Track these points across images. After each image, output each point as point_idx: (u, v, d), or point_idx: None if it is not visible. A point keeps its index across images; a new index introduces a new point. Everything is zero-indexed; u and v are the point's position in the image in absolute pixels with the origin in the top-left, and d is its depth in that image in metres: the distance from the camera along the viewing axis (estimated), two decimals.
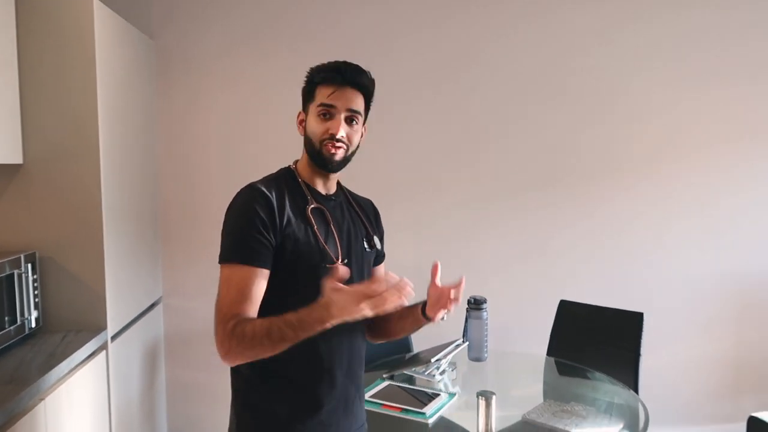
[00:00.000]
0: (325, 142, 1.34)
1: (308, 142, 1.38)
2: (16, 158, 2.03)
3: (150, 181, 2.73)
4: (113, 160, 2.23)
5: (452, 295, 1.34)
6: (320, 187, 1.42)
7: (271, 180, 1.39)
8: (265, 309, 1.29)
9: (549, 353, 2.63)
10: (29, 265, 1.98)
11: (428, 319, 1.39)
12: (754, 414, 2.22)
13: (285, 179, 1.40)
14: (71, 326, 2.11)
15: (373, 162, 2.90)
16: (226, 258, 1.29)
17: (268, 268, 1.29)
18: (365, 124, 1.43)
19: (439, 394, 2.03)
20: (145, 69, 2.66)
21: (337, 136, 1.34)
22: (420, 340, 2.71)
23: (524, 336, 2.85)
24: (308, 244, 1.33)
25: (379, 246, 1.51)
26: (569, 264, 3.04)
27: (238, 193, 1.35)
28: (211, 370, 2.88)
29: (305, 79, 1.40)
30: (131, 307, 2.44)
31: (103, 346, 2.14)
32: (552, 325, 2.69)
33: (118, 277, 2.26)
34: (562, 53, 2.97)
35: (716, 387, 3.14)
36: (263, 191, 1.32)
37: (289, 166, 1.44)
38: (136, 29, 2.54)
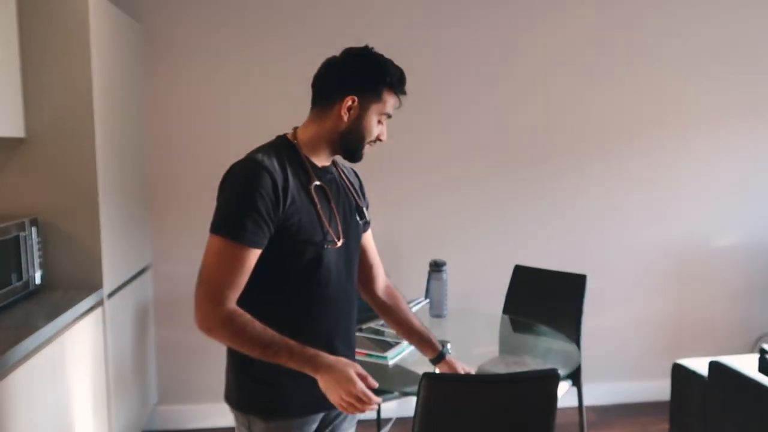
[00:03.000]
0: (370, 143, 1.42)
1: (355, 135, 1.39)
2: (19, 132, 2.24)
3: (139, 155, 2.95)
4: (107, 134, 2.44)
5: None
6: (319, 160, 1.42)
7: (271, 152, 1.35)
8: (261, 284, 1.33)
9: (504, 311, 2.92)
10: (33, 229, 2.21)
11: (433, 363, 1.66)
12: (677, 361, 2.52)
13: (286, 152, 1.37)
14: (71, 284, 2.33)
15: None
16: (219, 230, 1.29)
17: (260, 249, 1.30)
18: None
19: (400, 342, 2.30)
20: (133, 51, 2.86)
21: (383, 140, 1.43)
22: None
23: (483, 296, 3.13)
24: (312, 226, 1.34)
25: (368, 216, 1.55)
26: (524, 231, 3.32)
27: (241, 165, 1.32)
28: (195, 332, 3.11)
29: (372, 70, 1.38)
30: (124, 270, 2.67)
31: (100, 303, 2.37)
32: (507, 287, 2.98)
33: (113, 241, 2.49)
34: (523, 34, 3.20)
35: (656, 345, 3.46)
36: (269, 169, 1.29)
37: (286, 135, 1.43)
38: (125, 14, 2.73)
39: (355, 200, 1.51)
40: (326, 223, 1.36)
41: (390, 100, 1.40)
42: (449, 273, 2.71)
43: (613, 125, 3.31)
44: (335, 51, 1.45)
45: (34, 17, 2.24)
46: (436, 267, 2.66)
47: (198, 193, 3.08)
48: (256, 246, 1.29)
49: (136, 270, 2.85)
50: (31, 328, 1.84)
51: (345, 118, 1.37)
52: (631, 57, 3.27)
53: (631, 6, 3.24)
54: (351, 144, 1.40)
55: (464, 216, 3.29)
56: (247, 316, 1.29)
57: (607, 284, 3.37)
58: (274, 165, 1.31)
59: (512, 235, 3.31)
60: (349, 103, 1.37)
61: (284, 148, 1.38)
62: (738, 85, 3.34)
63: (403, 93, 1.42)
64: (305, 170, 1.37)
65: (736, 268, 3.45)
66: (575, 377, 2.65)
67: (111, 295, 2.49)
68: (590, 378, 3.35)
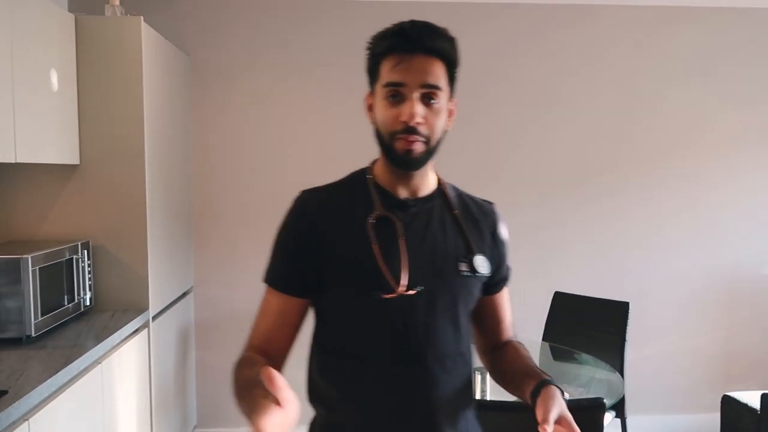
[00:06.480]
0: (397, 135, 1.05)
1: (377, 134, 1.09)
2: (74, 159, 2.35)
3: (185, 183, 3.04)
4: (155, 162, 2.53)
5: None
6: (401, 189, 1.12)
7: (332, 185, 1.16)
8: (319, 339, 1.14)
9: (544, 339, 2.88)
10: (85, 252, 2.29)
11: (530, 402, 1.11)
12: (727, 393, 2.43)
13: (352, 184, 1.14)
14: (119, 306, 2.41)
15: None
16: (263, 276, 1.14)
17: (297, 296, 1.10)
18: (453, 98, 1.11)
19: None
20: (181, 82, 2.98)
21: (411, 124, 1.03)
22: None
23: (521, 323, 3.07)
24: (358, 265, 1.06)
25: (485, 270, 1.15)
26: (564, 257, 3.28)
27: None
28: (234, 356, 3.16)
29: (367, 51, 1.10)
30: (168, 293, 2.74)
31: (146, 324, 2.44)
32: (547, 314, 2.94)
33: (158, 265, 2.56)
34: (573, 63, 3.22)
35: (704, 376, 3.34)
36: (303, 205, 1.12)
37: (368, 165, 1.17)
38: (174, 46, 2.86)
39: (467, 243, 1.14)
40: (380, 261, 1.05)
41: (385, 67, 1.05)
42: None
43: (654, 148, 3.27)
44: None
45: (91, 51, 2.36)
46: None
47: (239, 220, 3.16)
48: (289, 292, 1.10)
49: (179, 293, 2.92)
50: (81, 349, 1.91)
51: (370, 120, 1.12)
52: (670, 80, 3.24)
53: (670, 33, 3.22)
54: (381, 145, 1.09)
55: None
56: (252, 359, 1.07)
57: (651, 312, 3.29)
58: (319, 198, 1.12)
59: (552, 261, 3.28)
60: (368, 101, 1.12)
61: (354, 179, 1.15)
62: None
63: (397, 47, 1.04)
64: (369, 201, 1.10)
65: None
66: (619, 408, 2.58)
67: (155, 317, 2.55)
68: (634, 409, 3.25)
